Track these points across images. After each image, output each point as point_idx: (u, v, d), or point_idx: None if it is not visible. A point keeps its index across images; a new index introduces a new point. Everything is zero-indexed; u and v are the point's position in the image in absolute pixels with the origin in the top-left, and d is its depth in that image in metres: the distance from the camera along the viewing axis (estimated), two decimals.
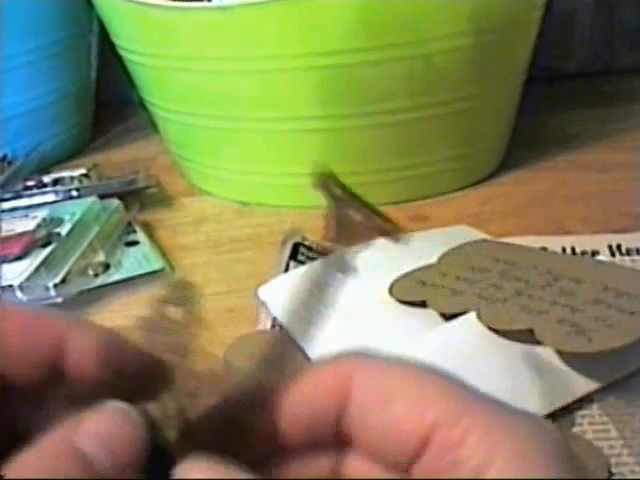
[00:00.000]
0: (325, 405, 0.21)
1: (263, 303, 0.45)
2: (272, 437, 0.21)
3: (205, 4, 0.56)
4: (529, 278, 0.41)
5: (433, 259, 0.45)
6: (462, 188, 0.60)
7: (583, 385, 0.36)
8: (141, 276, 0.50)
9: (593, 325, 0.36)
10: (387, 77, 0.54)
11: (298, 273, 0.47)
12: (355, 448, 0.21)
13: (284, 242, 0.50)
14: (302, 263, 0.48)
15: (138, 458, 0.19)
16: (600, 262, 0.46)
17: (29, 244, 0.50)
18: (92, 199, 0.57)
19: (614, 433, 0.34)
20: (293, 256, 0.49)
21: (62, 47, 0.71)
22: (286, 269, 0.48)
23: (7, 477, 0.18)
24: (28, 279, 0.47)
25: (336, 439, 0.21)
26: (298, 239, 0.50)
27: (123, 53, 0.63)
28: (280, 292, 0.44)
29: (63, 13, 0.70)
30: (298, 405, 0.21)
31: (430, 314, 0.41)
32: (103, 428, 0.19)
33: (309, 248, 0.50)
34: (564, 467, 0.18)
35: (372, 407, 0.20)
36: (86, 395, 0.21)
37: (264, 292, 0.45)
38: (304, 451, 0.22)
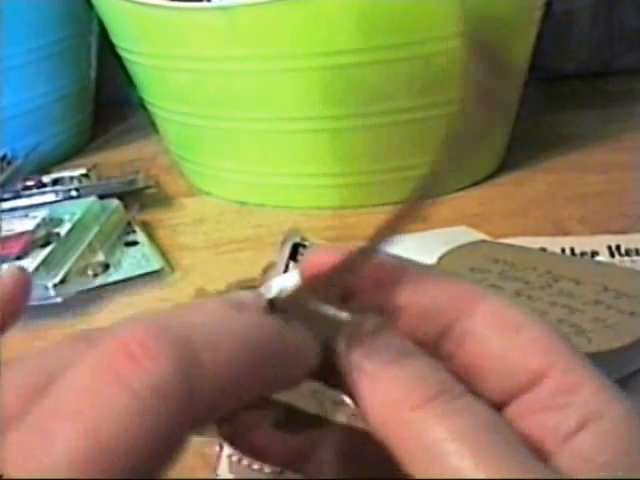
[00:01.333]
0: (448, 302, 0.20)
1: None
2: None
3: (205, 4, 0.56)
4: (528, 279, 0.41)
5: (432, 260, 0.45)
6: (462, 188, 0.60)
7: None
8: (140, 276, 0.50)
9: (592, 326, 0.36)
10: (387, 77, 0.54)
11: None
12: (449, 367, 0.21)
13: (284, 242, 0.50)
14: None
15: None
16: (599, 263, 0.46)
17: (28, 244, 0.50)
18: (92, 199, 0.57)
19: None
20: (292, 256, 0.49)
21: (62, 47, 0.71)
22: (285, 270, 0.48)
23: (6, 477, 0.18)
24: None
25: (434, 347, 0.20)
26: (297, 239, 0.50)
27: (123, 53, 0.63)
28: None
29: (63, 13, 0.70)
30: (423, 288, 0.21)
31: None
32: None
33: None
34: None
35: (495, 331, 0.20)
36: None
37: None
38: None
